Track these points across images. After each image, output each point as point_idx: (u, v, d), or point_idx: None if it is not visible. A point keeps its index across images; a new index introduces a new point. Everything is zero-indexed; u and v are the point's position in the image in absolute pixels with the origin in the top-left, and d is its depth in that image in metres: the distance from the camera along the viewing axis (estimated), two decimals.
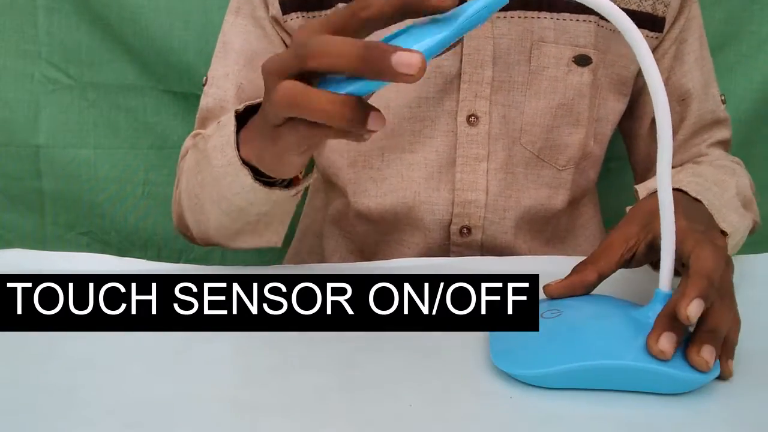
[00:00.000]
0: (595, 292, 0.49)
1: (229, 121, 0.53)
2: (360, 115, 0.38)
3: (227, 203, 0.57)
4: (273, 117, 0.42)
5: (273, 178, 0.53)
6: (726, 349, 0.44)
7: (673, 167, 0.76)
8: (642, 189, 0.64)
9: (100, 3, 0.94)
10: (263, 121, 0.46)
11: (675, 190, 0.58)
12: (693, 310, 0.41)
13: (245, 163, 0.52)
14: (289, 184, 0.55)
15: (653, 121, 0.77)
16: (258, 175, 0.53)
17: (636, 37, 0.39)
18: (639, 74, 0.75)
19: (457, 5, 0.37)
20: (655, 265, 0.51)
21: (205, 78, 0.75)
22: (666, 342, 0.41)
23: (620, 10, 0.39)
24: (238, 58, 0.73)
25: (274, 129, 0.43)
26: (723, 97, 0.79)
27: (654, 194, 0.57)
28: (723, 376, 0.43)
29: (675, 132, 0.77)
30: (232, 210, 0.58)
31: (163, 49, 0.95)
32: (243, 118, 0.54)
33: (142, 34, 0.94)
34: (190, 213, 0.65)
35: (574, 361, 0.42)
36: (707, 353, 0.42)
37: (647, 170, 0.80)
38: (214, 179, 0.57)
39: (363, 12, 0.38)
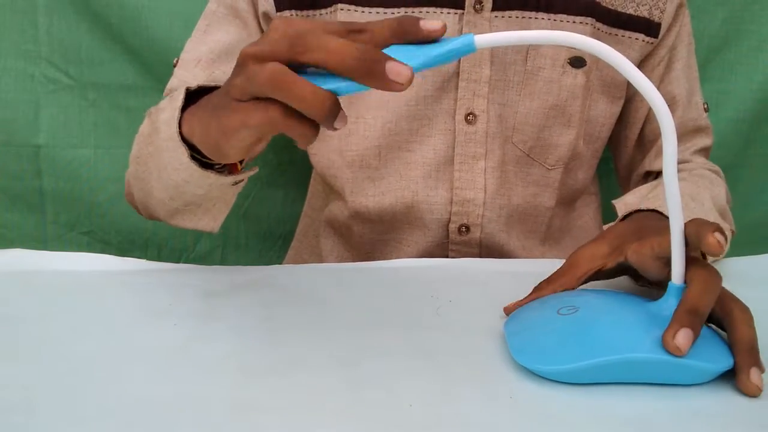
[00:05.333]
0: (610, 288, 0.51)
1: (179, 96, 0.54)
2: (335, 112, 0.39)
3: (167, 176, 0.57)
4: (241, 92, 0.41)
5: (211, 162, 0.53)
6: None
7: (654, 171, 0.78)
8: (620, 205, 0.64)
9: (100, 3, 0.94)
10: (222, 96, 0.45)
11: (651, 211, 0.58)
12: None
13: (185, 140, 0.52)
14: (229, 172, 0.55)
15: (643, 127, 0.78)
16: (199, 155, 0.52)
17: (620, 62, 0.39)
18: None
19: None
20: (636, 277, 0.52)
21: (176, 59, 0.75)
22: (682, 338, 0.42)
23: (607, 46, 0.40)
24: (213, 47, 0.72)
25: (235, 103, 0.42)
26: (706, 105, 0.80)
27: (630, 215, 0.59)
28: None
29: (657, 136, 0.78)
30: (170, 186, 0.58)
31: (163, 49, 0.95)
32: (196, 97, 0.53)
33: (142, 34, 0.94)
34: (137, 181, 0.65)
35: (595, 357, 0.43)
36: (756, 376, 0.42)
37: (631, 172, 0.81)
38: (159, 151, 0.57)
39: (359, 36, 0.39)
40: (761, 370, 0.43)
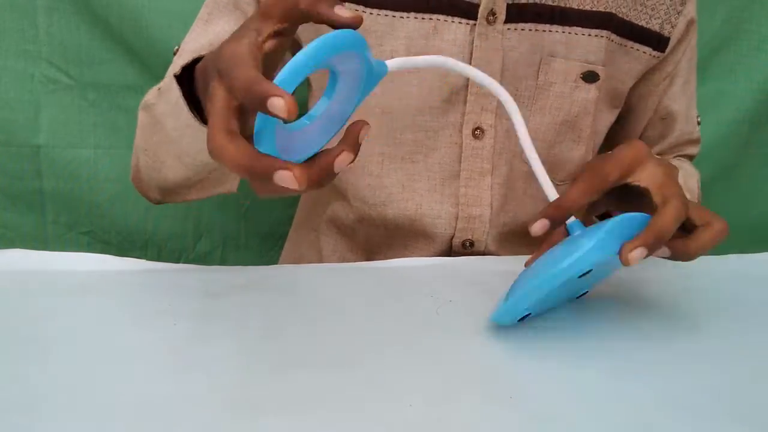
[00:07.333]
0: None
1: (171, 86, 0.54)
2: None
3: (191, 159, 0.58)
4: None
5: None
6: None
7: None
8: None
9: (100, 3, 0.94)
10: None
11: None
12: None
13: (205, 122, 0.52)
14: None
15: (640, 137, 0.80)
16: None
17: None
18: (632, 90, 0.76)
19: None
20: (601, 216, 0.55)
21: (177, 47, 0.74)
22: (638, 254, 0.44)
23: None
24: (214, 40, 0.71)
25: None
26: (699, 119, 0.82)
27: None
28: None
29: (653, 145, 0.80)
30: (195, 165, 0.59)
31: (163, 49, 0.95)
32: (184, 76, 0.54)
33: (142, 34, 0.95)
34: (149, 170, 0.65)
35: (523, 287, 0.47)
36: (639, 253, 0.45)
37: None
38: (171, 141, 0.57)
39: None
40: (647, 249, 0.45)
